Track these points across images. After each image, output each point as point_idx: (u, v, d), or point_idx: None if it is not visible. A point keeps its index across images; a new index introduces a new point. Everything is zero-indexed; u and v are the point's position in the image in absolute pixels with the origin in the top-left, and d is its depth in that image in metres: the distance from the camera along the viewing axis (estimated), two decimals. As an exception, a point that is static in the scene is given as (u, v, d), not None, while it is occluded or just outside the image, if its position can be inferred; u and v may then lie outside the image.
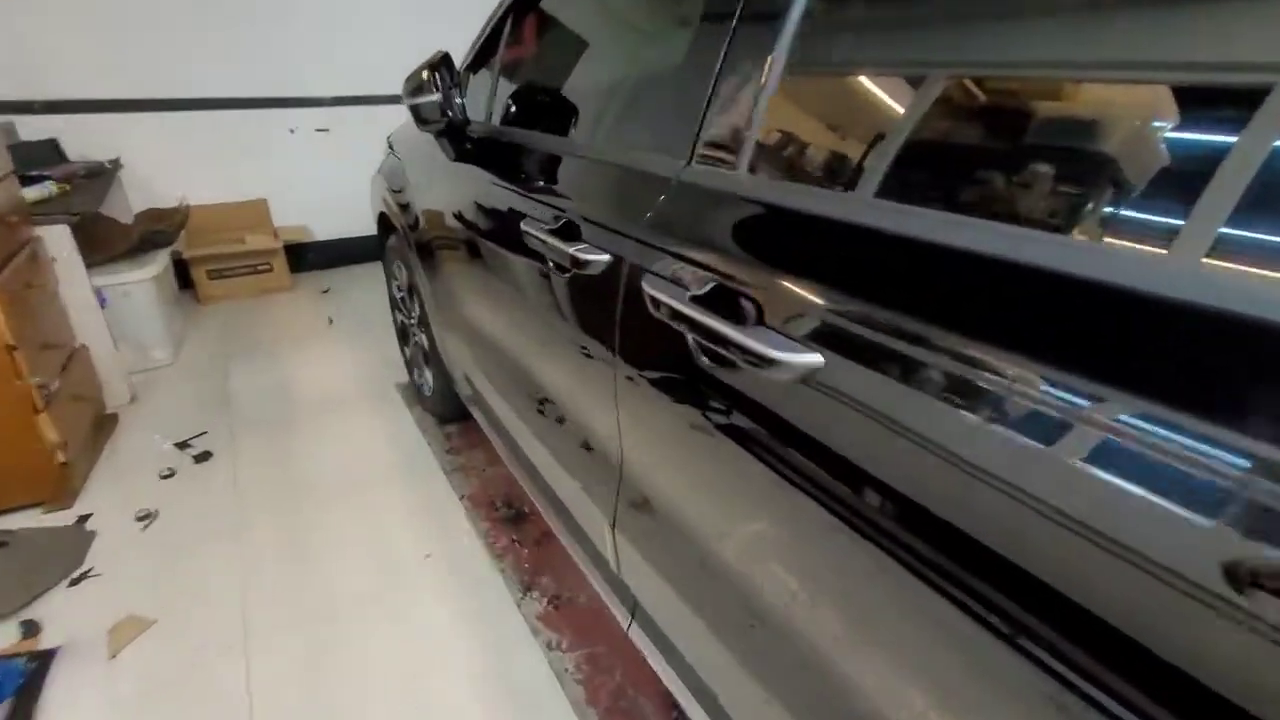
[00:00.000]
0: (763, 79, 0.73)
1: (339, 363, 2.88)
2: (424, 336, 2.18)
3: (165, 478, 2.07)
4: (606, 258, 0.91)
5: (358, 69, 3.73)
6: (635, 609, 1.12)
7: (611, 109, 1.14)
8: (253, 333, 3.20)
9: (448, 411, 2.28)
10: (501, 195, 1.31)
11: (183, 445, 2.23)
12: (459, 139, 1.61)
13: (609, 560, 1.12)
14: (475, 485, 2.04)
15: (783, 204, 0.69)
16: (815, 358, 0.57)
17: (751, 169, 0.75)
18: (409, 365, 2.57)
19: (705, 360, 0.72)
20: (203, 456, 2.17)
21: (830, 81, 0.71)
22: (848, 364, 0.56)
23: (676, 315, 0.73)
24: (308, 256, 3.98)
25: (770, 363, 0.60)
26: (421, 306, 2.11)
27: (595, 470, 1.10)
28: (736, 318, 0.67)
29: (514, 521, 1.89)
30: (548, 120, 1.28)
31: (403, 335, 2.57)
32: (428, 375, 2.28)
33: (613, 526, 1.06)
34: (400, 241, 2.17)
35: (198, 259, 3.46)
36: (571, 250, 0.95)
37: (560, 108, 1.28)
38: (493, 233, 1.37)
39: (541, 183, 1.22)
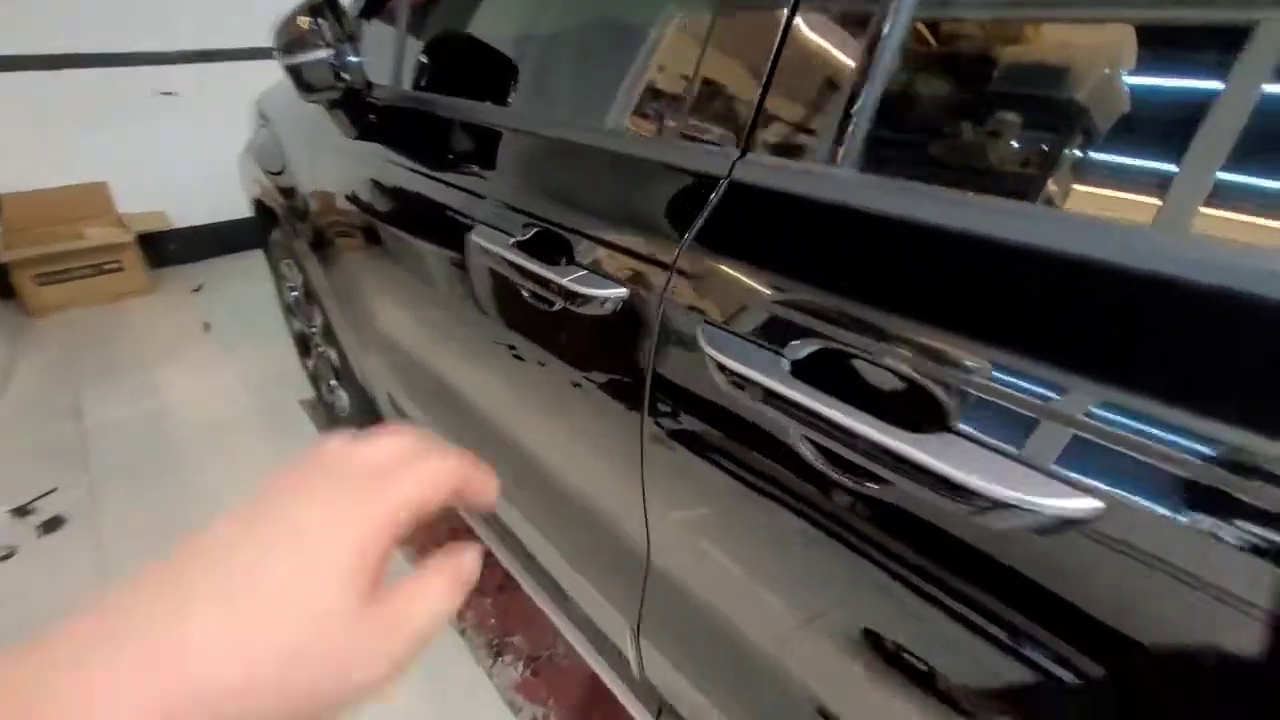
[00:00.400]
0: (875, 28, 0.48)
1: (223, 379, 2.41)
2: (332, 351, 1.80)
3: (1, 559, 1.62)
4: (621, 293, 0.64)
5: (213, 14, 3.09)
6: (661, 710, 0.90)
7: (599, 67, 0.84)
8: (107, 350, 2.63)
9: (366, 426, 1.93)
10: (431, 189, 0.99)
11: (22, 511, 1.76)
12: (359, 110, 1.24)
13: (630, 661, 0.88)
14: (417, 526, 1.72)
15: (943, 224, 0.45)
16: (1092, 504, 0.34)
17: (861, 163, 0.50)
18: (314, 380, 2.17)
19: (823, 465, 0.48)
20: (52, 524, 1.72)
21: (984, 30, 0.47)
22: (1135, 506, 0.34)
23: (775, 396, 0.48)
24: (169, 249, 3.35)
25: (1001, 505, 0.36)
26: (325, 315, 1.73)
27: (608, 557, 0.85)
28: (874, 403, 0.43)
29: (468, 566, 1.60)
30: (492, 86, 0.96)
31: (303, 345, 2.15)
32: (341, 392, 1.91)
33: (637, 631, 0.82)
34: (287, 236, 1.76)
35: (21, 262, 2.80)
36: (564, 281, 0.67)
37: (512, 68, 0.96)
38: (419, 236, 1.05)
39: (491, 175, 0.91)
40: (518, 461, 0.98)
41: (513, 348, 0.87)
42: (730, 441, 0.57)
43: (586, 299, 0.66)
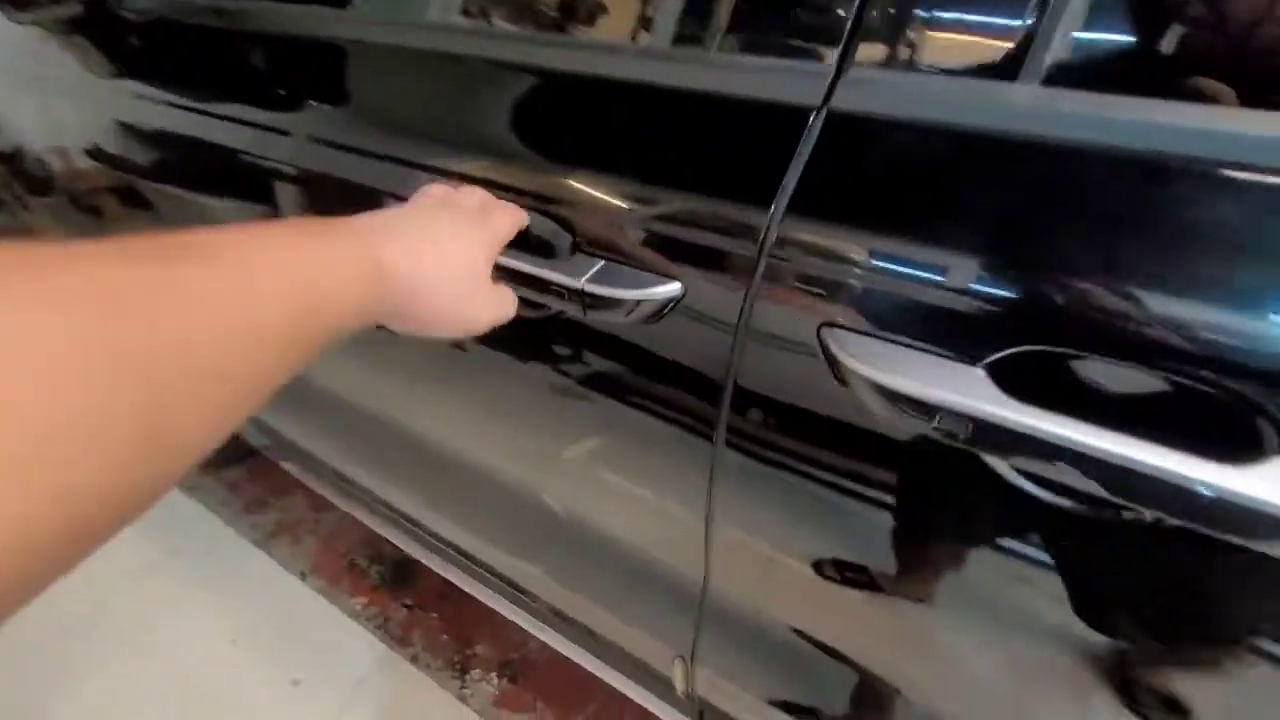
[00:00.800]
0: None
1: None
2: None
3: None
4: (670, 292, 0.45)
5: None
6: (704, 712, 0.82)
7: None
8: None
9: (219, 452, 1.55)
10: (280, 148, 0.69)
11: None
12: (107, 30, 0.84)
13: (676, 684, 0.77)
14: (315, 548, 1.45)
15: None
16: None
17: (1051, 78, 0.35)
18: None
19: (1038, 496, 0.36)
20: None
21: None
22: None
23: (971, 425, 0.35)
24: None
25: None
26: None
27: (648, 591, 0.71)
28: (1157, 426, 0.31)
29: (399, 580, 1.38)
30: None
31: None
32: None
33: (690, 659, 0.70)
34: (12, 212, 1.28)
35: None
36: (581, 284, 0.47)
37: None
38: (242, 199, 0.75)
39: (358, 110, 0.64)
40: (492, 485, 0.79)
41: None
42: (883, 475, 0.43)
43: (611, 303, 0.47)
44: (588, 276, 0.47)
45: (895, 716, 0.58)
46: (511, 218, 0.44)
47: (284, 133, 0.68)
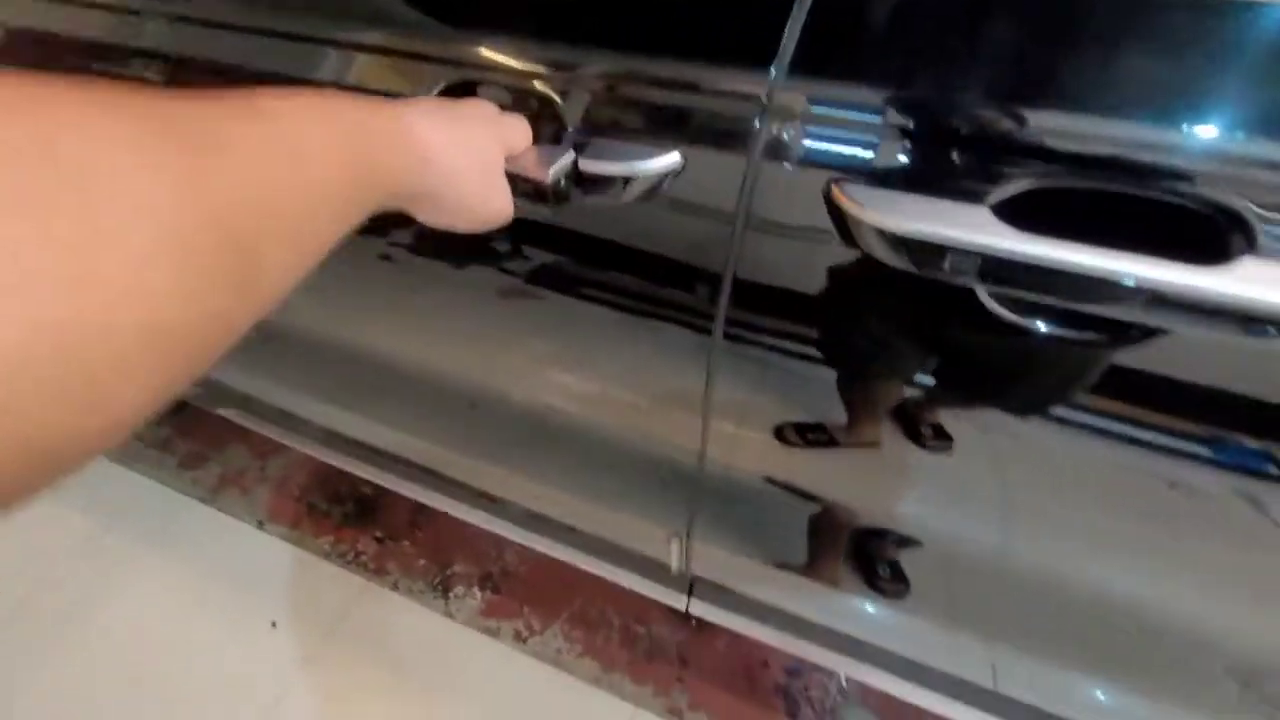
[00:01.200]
0: None
1: None
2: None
3: None
4: (670, 163, 0.45)
5: None
6: (693, 585, 0.88)
7: None
8: None
9: (137, 412, 1.44)
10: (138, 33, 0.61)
11: None
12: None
13: (672, 564, 0.82)
14: (267, 496, 1.40)
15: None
16: None
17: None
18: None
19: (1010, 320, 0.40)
20: None
21: None
22: None
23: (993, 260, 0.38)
24: None
25: None
26: None
27: (638, 475, 0.73)
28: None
29: (364, 514, 1.37)
30: None
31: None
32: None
33: (686, 535, 0.75)
34: None
35: None
36: (571, 162, 0.45)
37: None
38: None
39: None
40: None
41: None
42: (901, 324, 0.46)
43: (602, 181, 0.46)
44: (581, 155, 0.46)
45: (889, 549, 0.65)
46: (521, 127, 0.45)
47: (133, 12, 0.61)
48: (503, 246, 0.57)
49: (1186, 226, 0.35)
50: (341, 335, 0.84)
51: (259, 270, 0.22)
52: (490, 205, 0.41)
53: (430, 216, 0.39)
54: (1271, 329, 0.35)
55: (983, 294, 0.40)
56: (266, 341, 0.91)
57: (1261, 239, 0.34)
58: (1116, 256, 0.34)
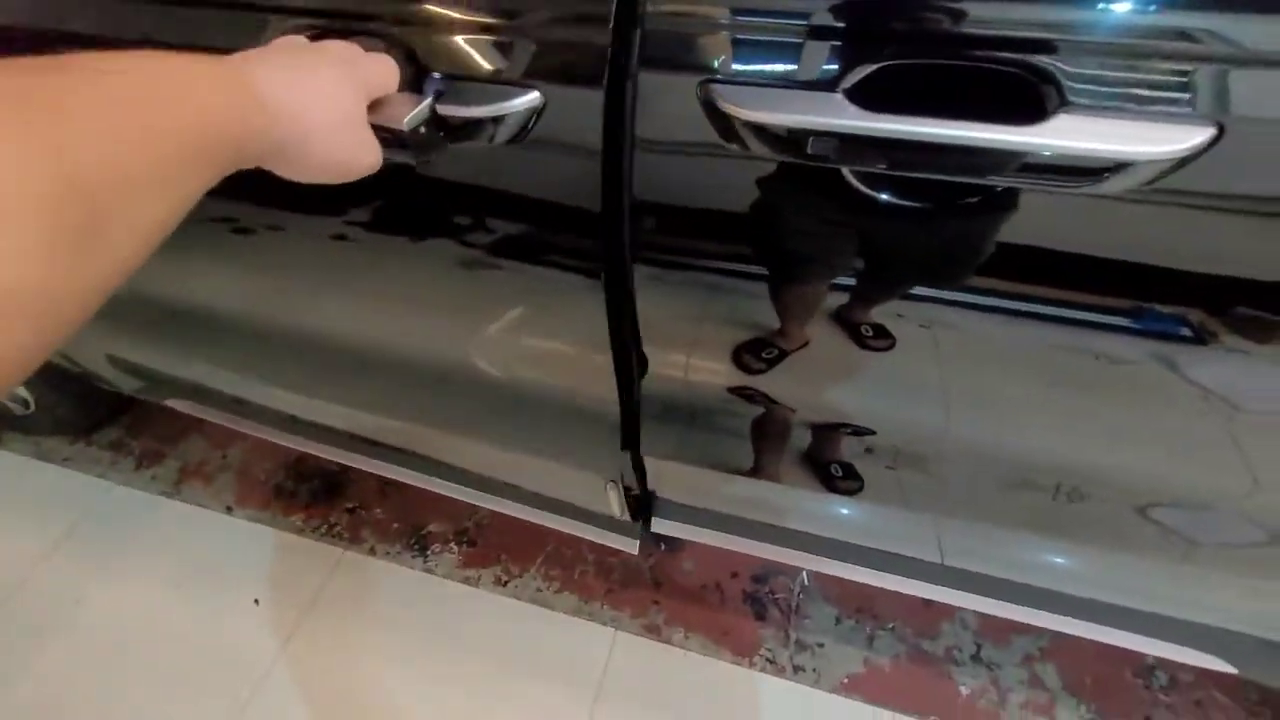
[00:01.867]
0: None
1: None
2: None
3: None
4: (530, 102, 0.48)
5: None
6: (654, 505, 0.94)
7: None
8: None
9: (84, 417, 1.42)
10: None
11: None
12: None
13: (613, 509, 0.86)
14: (233, 483, 1.40)
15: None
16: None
17: None
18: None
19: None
20: None
21: None
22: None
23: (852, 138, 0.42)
24: None
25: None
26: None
27: (566, 430, 0.77)
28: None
29: (332, 489, 1.39)
30: None
31: None
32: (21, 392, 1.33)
33: (620, 481, 0.79)
34: None
35: None
36: (427, 108, 0.47)
37: None
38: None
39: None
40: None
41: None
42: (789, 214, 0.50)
43: (469, 125, 0.49)
44: (439, 101, 0.48)
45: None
46: (383, 67, 0.43)
47: None
48: (391, 205, 0.59)
49: (1012, 91, 0.40)
50: (278, 319, 0.85)
51: (111, 227, 0.23)
52: (355, 157, 0.39)
53: (292, 172, 0.37)
54: (1085, 178, 0.40)
55: (848, 174, 0.45)
56: (206, 329, 0.92)
57: (1070, 96, 0.39)
58: (947, 124, 0.39)
